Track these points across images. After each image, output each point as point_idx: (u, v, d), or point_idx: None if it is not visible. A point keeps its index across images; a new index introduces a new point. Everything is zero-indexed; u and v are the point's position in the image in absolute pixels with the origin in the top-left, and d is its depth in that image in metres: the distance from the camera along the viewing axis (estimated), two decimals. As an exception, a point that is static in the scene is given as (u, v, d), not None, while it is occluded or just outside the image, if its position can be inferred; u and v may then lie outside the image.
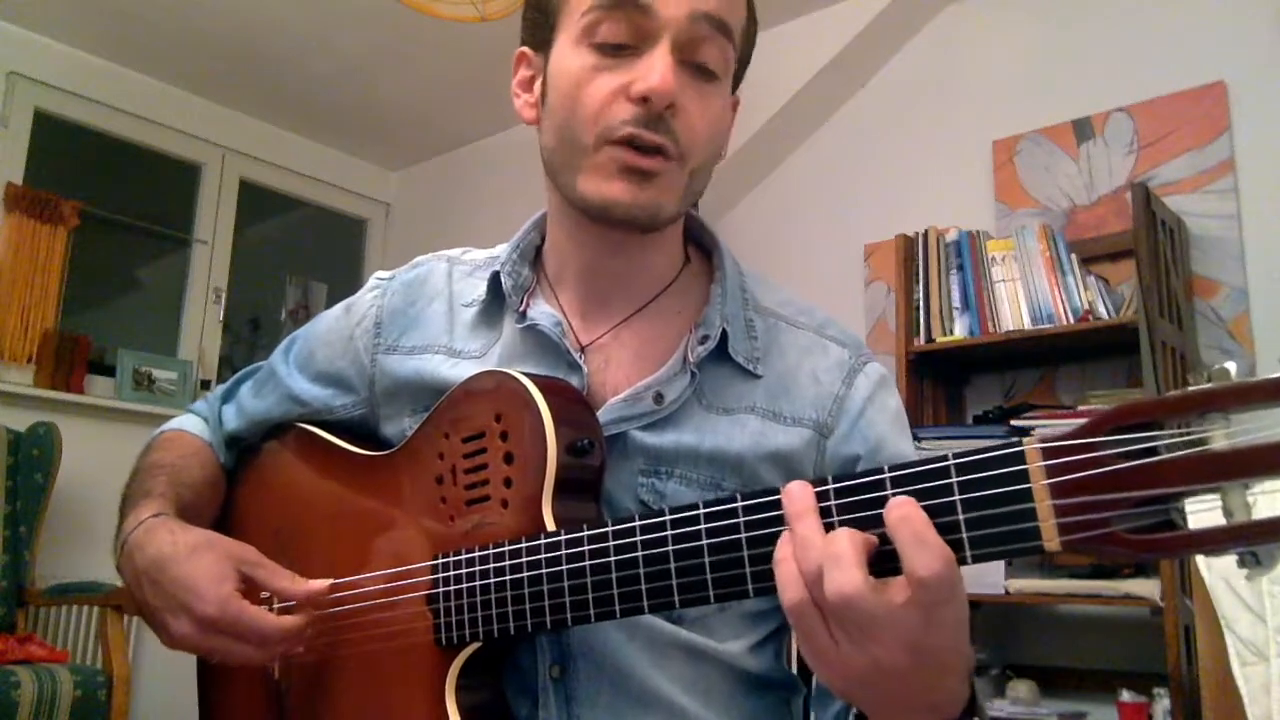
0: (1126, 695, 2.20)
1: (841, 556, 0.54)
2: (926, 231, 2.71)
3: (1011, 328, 2.48)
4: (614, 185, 0.79)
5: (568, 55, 0.81)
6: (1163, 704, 2.14)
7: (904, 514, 0.54)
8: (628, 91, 0.78)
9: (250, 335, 4.30)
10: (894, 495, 0.55)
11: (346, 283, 4.40)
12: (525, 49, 0.89)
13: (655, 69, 0.77)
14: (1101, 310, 2.37)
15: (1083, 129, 2.73)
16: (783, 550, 0.57)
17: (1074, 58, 2.79)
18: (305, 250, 4.63)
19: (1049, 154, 2.78)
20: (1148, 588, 2.17)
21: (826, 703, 0.81)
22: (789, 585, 0.56)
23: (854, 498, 0.57)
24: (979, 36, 3.00)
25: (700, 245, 0.95)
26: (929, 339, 2.61)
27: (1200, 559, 1.58)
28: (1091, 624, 2.46)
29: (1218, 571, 1.55)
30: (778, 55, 3.21)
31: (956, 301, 2.60)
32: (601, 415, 0.81)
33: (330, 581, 0.85)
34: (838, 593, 0.53)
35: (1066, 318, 2.40)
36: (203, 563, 0.83)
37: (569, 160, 0.82)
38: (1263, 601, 1.50)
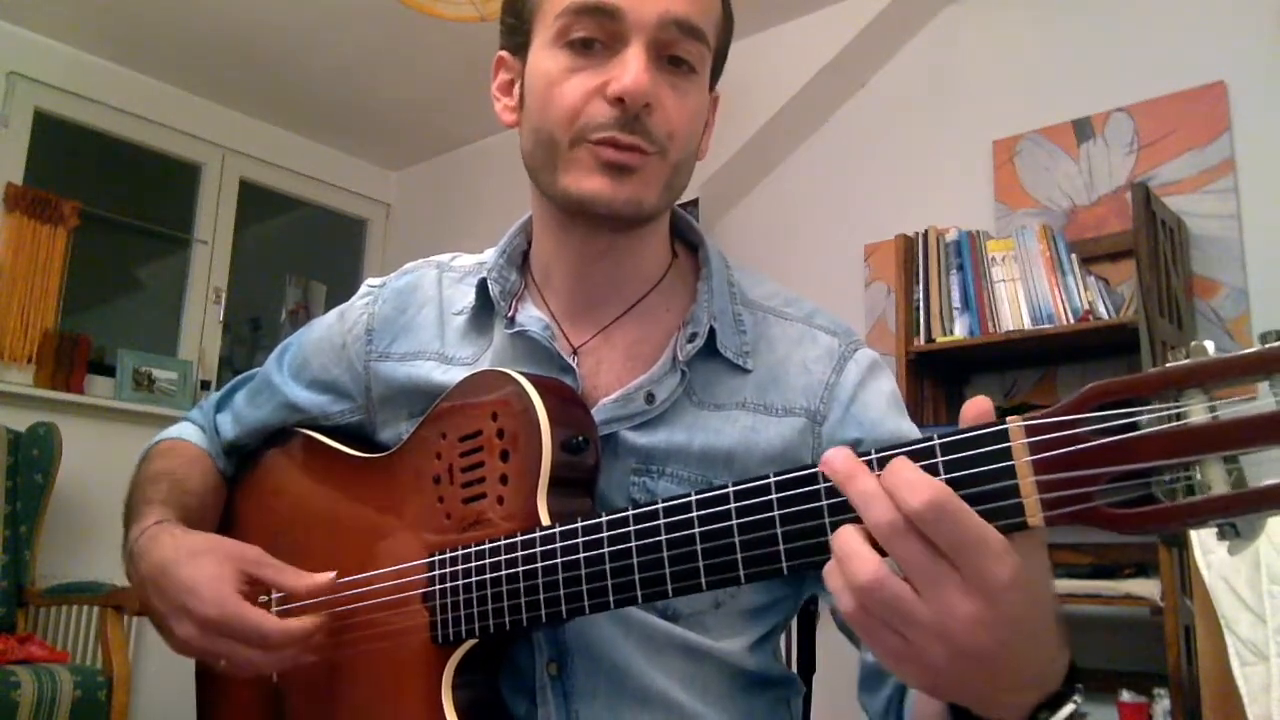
0: (1126, 695, 2.20)
1: (913, 478, 0.52)
2: (926, 231, 2.71)
3: (1011, 328, 2.48)
4: (594, 180, 0.80)
5: (543, 58, 0.82)
6: (1163, 704, 2.14)
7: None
8: (603, 92, 0.78)
9: (250, 335, 4.31)
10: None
11: (346, 283, 4.40)
12: (504, 53, 0.90)
13: (630, 69, 0.77)
14: (1101, 310, 2.37)
15: (1083, 129, 2.73)
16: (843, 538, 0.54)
17: (1074, 58, 2.79)
18: (305, 250, 4.64)
19: (1049, 154, 2.78)
20: (1148, 588, 2.17)
21: (875, 688, 0.80)
22: (854, 561, 0.53)
23: None
24: (979, 36, 3.00)
25: (686, 242, 0.95)
26: (929, 339, 2.61)
27: (1200, 558, 1.58)
28: (1091, 624, 2.46)
29: (1218, 571, 1.55)
30: (778, 55, 3.21)
31: (956, 301, 2.60)
32: (593, 416, 0.81)
33: (334, 574, 0.84)
34: (925, 502, 0.51)
35: (1066, 318, 2.40)
36: (204, 564, 0.83)
37: (547, 159, 0.82)
38: (1263, 601, 1.50)
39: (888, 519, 0.52)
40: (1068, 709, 0.56)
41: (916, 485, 0.51)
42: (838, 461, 0.55)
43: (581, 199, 0.81)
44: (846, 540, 0.54)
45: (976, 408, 0.55)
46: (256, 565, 0.85)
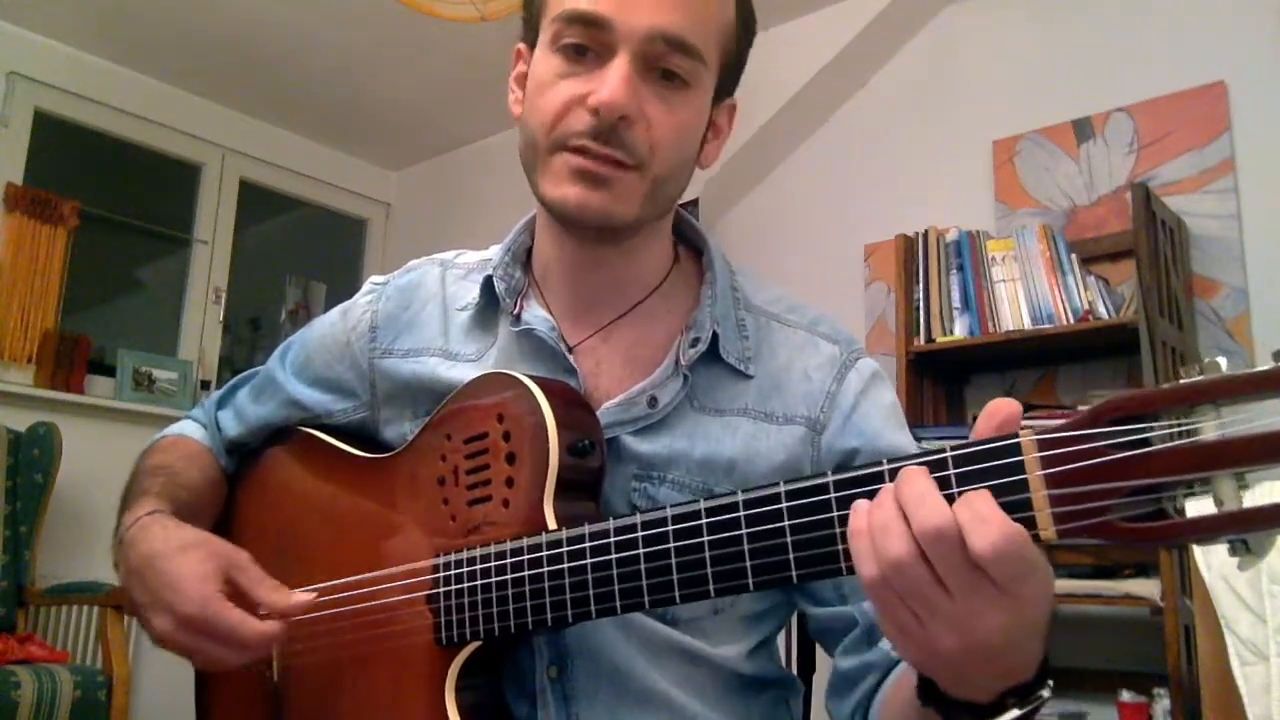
0: (1126, 695, 2.20)
1: (925, 496, 0.53)
2: (926, 231, 2.70)
3: (1011, 328, 2.48)
4: (566, 188, 0.80)
5: (540, 60, 0.83)
6: (1163, 704, 2.14)
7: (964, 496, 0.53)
8: (584, 101, 0.78)
9: (250, 335, 4.30)
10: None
11: (346, 283, 4.40)
12: (522, 45, 0.90)
13: (609, 82, 0.77)
14: (1101, 310, 2.37)
15: (1083, 129, 2.73)
16: (861, 520, 0.56)
17: (1074, 58, 2.79)
18: (305, 250, 4.63)
19: (1049, 154, 2.78)
20: (1148, 588, 2.17)
21: (845, 693, 0.81)
22: (877, 547, 0.54)
23: (852, 490, 0.58)
24: (979, 36, 3.00)
25: (690, 244, 0.95)
26: (929, 339, 2.61)
27: (1200, 558, 1.58)
28: (1091, 624, 2.46)
29: (1218, 571, 1.55)
30: (778, 55, 3.21)
31: (956, 301, 2.59)
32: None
33: (314, 596, 0.83)
34: (932, 526, 0.52)
35: (1066, 318, 2.40)
36: (190, 560, 0.83)
37: (531, 161, 0.83)
38: (1263, 601, 1.50)
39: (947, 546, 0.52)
40: (1038, 700, 0.58)
41: (990, 520, 0.52)
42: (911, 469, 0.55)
43: (553, 204, 0.81)
44: (884, 511, 0.54)
45: (1003, 413, 0.55)
46: (239, 570, 0.83)
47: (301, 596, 0.83)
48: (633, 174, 0.80)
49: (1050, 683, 0.59)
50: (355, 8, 3.27)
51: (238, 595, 0.83)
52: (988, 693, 0.57)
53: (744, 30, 0.87)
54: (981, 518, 0.52)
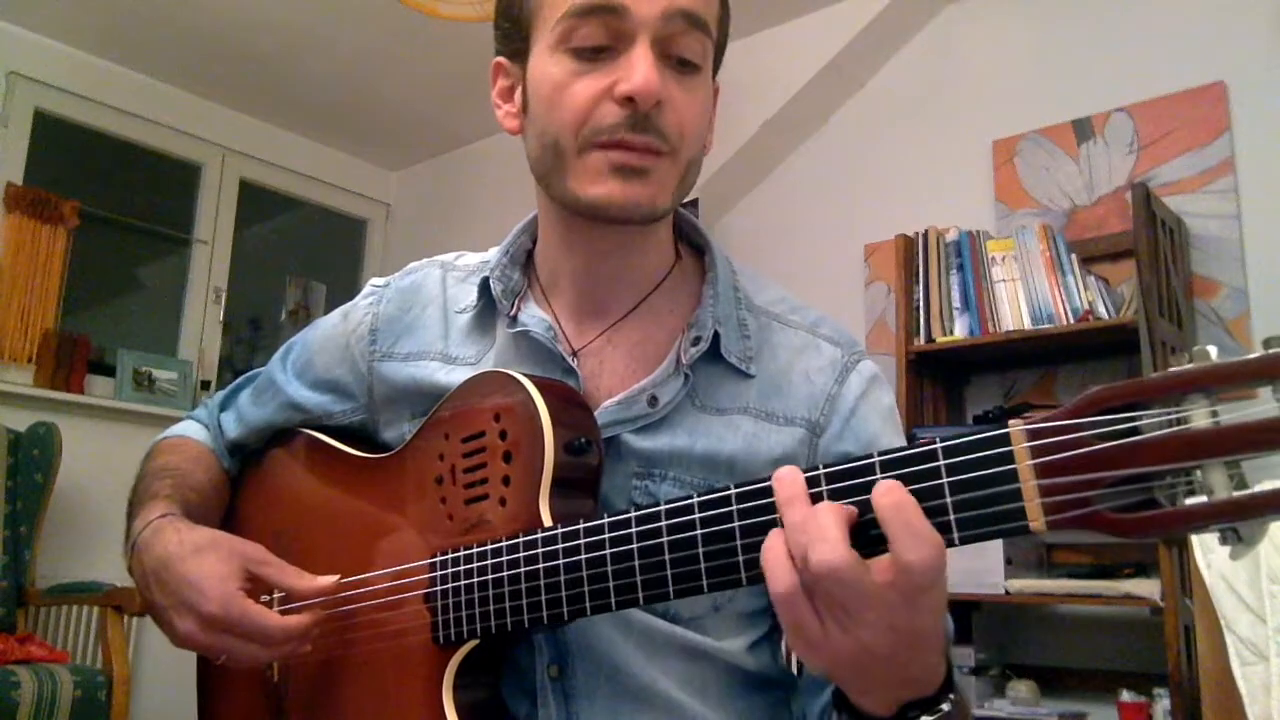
0: (1126, 695, 2.20)
1: (826, 530, 0.55)
2: (926, 231, 2.71)
3: (1011, 328, 2.48)
4: (605, 184, 0.78)
5: (545, 62, 0.81)
6: (1163, 704, 2.14)
7: (895, 500, 0.55)
8: (611, 93, 0.77)
9: (250, 335, 4.30)
10: (882, 479, 0.56)
11: (346, 283, 4.40)
12: (501, 59, 0.89)
13: (638, 69, 0.76)
14: (1101, 310, 2.37)
15: (1083, 129, 2.73)
16: (772, 539, 0.58)
17: (1074, 58, 2.79)
18: (305, 250, 4.63)
19: (1049, 154, 2.78)
20: (1148, 588, 2.17)
21: (815, 693, 0.82)
22: (777, 570, 0.57)
23: (844, 483, 0.58)
24: (979, 36, 3.00)
25: (691, 243, 0.95)
26: (929, 339, 2.61)
27: (1200, 558, 1.58)
28: (1091, 624, 2.46)
29: (1218, 571, 1.55)
30: (778, 55, 3.21)
31: (956, 301, 2.60)
32: (596, 418, 0.81)
33: (338, 577, 0.85)
34: (823, 563, 0.54)
35: (1066, 318, 2.40)
36: (208, 561, 0.83)
37: (556, 165, 0.81)
38: (1263, 601, 1.50)
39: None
40: (939, 713, 0.59)
41: (829, 541, 0.55)
42: (785, 477, 0.59)
43: (592, 204, 0.79)
44: (827, 524, 0.56)
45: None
46: (259, 564, 0.85)
47: (327, 580, 0.84)
48: (666, 160, 0.79)
49: (952, 697, 0.60)
50: (355, 8, 3.27)
51: (256, 592, 0.84)
52: (887, 705, 0.60)
53: (726, 10, 0.87)
54: (912, 528, 0.54)
